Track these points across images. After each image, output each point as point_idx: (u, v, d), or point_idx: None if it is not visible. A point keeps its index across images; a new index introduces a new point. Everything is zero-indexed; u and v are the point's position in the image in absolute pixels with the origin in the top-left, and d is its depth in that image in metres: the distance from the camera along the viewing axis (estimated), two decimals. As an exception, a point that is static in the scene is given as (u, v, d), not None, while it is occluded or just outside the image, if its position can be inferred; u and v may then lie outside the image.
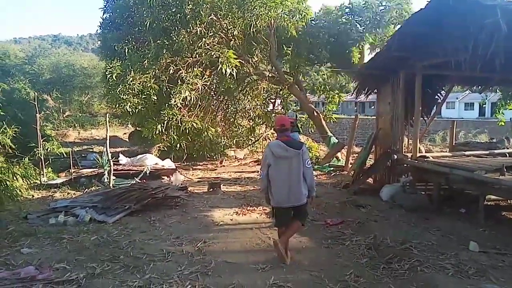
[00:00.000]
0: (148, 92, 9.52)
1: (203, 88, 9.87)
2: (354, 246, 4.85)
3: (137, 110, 9.79)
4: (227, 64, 9.08)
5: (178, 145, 10.41)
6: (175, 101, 9.23)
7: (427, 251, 4.66)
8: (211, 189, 8.20)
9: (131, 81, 9.22)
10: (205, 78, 9.89)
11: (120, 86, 9.36)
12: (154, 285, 3.77)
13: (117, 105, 10.02)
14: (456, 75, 7.94)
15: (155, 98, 9.72)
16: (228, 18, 9.83)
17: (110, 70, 9.56)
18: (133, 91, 9.36)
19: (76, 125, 20.92)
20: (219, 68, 9.14)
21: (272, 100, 15.02)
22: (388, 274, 4.06)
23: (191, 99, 9.44)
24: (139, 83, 9.31)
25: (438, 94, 8.89)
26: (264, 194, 4.59)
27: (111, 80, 9.53)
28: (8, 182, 6.01)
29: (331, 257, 4.57)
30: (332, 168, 10.88)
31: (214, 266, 4.27)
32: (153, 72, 9.57)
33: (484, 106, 41.35)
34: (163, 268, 4.20)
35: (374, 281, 3.91)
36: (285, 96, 14.40)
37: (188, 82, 9.28)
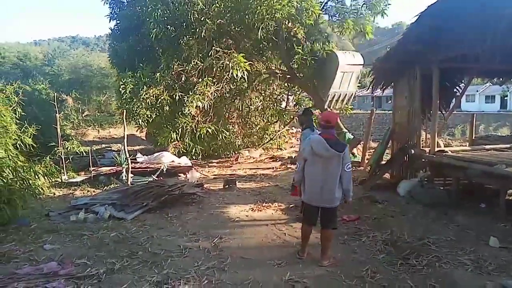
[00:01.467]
0: (161, 103, 9.71)
1: (215, 94, 9.98)
2: (370, 242, 4.82)
3: (151, 120, 10.03)
4: (238, 69, 9.14)
5: (193, 150, 10.66)
6: (188, 109, 9.41)
7: (446, 246, 4.59)
8: (227, 186, 8.26)
9: (145, 95, 9.41)
10: (216, 84, 9.99)
11: (134, 100, 9.56)
12: (171, 280, 3.83)
13: (132, 119, 10.25)
14: (475, 68, 7.74)
15: (168, 107, 9.93)
16: (235, 21, 9.86)
17: (124, 85, 9.69)
18: (147, 104, 9.57)
19: (94, 124, 21.34)
20: (230, 73, 9.24)
21: (285, 98, 14.95)
22: (405, 270, 4.02)
23: (204, 106, 9.57)
24: (152, 96, 9.50)
25: (457, 87, 8.69)
26: (298, 186, 4.53)
27: (124, 95, 9.70)
28: (30, 181, 6.18)
29: (347, 253, 4.56)
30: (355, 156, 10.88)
31: (230, 261, 4.31)
32: (165, 83, 9.73)
33: (506, 98, 40.25)
34: (180, 263, 4.26)
35: (391, 277, 3.88)
36: (297, 92, 14.31)
37: (200, 92, 9.41)
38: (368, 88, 10.48)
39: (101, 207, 6.29)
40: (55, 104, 9.54)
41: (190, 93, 9.49)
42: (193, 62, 9.75)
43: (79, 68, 28.36)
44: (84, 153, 9.46)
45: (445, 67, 6.90)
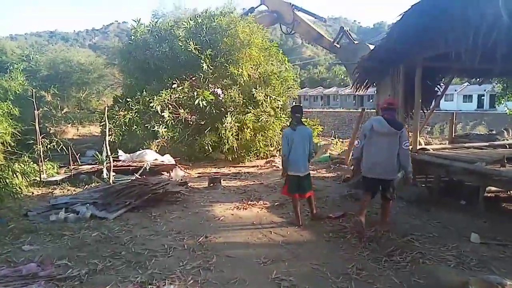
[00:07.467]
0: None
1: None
2: (355, 239, 4.86)
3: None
4: (202, 99, 11.00)
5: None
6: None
7: (429, 243, 4.67)
8: (211, 184, 8.19)
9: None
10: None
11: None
12: (156, 280, 3.76)
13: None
14: (457, 67, 7.90)
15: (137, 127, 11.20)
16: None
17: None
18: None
19: (74, 121, 20.81)
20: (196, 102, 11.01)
21: None
22: (390, 266, 4.07)
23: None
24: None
25: (438, 86, 8.86)
26: (355, 162, 5.05)
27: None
28: (7, 180, 5.98)
29: (332, 250, 4.58)
30: (329, 155, 11.74)
31: (216, 261, 4.27)
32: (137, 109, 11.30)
33: (482, 98, 41.44)
34: (165, 263, 4.20)
35: (376, 274, 3.92)
36: None
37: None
38: (351, 87, 10.54)
39: (82, 206, 6.14)
40: (33, 100, 9.23)
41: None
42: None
43: (57, 63, 27.53)
44: (66, 151, 9.21)
45: (427, 67, 7.01)
